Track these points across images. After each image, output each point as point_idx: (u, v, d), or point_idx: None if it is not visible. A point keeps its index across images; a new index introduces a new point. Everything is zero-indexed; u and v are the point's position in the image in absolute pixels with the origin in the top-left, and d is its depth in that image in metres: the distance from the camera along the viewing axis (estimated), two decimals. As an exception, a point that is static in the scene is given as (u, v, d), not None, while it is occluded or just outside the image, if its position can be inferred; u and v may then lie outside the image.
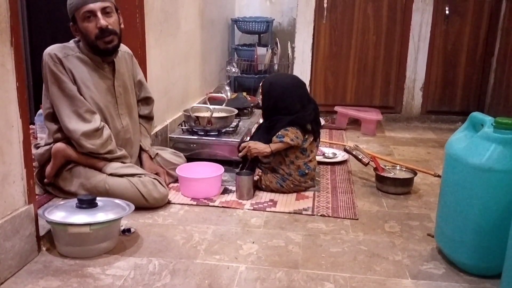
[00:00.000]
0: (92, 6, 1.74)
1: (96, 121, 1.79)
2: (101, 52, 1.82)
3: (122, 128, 1.92)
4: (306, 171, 2.00)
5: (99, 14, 1.75)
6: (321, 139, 2.80)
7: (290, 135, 1.94)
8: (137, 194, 1.76)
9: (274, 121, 2.00)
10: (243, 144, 2.05)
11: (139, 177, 1.80)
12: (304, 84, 2.09)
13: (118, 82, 1.91)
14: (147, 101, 2.12)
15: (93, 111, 1.80)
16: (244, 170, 2.00)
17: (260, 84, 2.12)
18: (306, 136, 1.99)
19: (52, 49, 1.78)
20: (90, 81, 1.82)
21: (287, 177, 1.99)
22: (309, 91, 3.40)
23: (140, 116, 2.09)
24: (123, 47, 1.96)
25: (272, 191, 2.02)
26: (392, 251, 1.56)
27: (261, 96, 2.10)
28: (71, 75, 1.78)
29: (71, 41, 1.86)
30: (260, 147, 1.98)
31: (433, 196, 2.03)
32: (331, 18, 3.32)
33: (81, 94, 1.79)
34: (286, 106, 1.98)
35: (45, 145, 1.88)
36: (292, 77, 2.17)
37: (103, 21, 1.75)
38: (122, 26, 1.88)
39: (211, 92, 3.12)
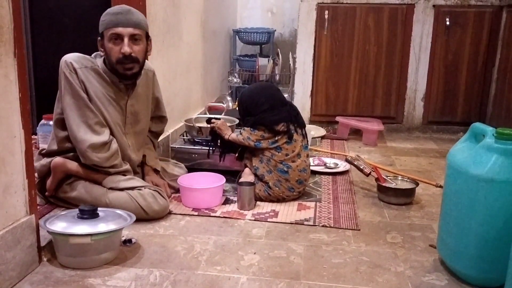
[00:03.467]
0: (121, 30, 1.74)
1: (105, 135, 1.79)
2: (119, 75, 1.82)
3: (126, 147, 1.91)
4: (286, 169, 2.01)
5: (126, 40, 1.74)
6: (323, 150, 2.83)
7: (244, 135, 2.04)
8: (137, 207, 1.75)
9: (244, 122, 2.10)
10: (214, 120, 2.19)
11: (139, 190, 1.79)
12: (276, 88, 2.16)
13: (132, 102, 1.90)
14: (161, 119, 2.14)
15: (103, 124, 1.80)
16: (245, 181, 2.00)
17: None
18: (277, 137, 2.01)
19: (70, 58, 1.78)
20: (102, 96, 1.81)
21: (272, 183, 2.00)
22: (310, 101, 3.45)
23: (150, 131, 2.10)
24: (146, 64, 1.95)
25: (261, 199, 2.03)
26: (394, 262, 1.56)
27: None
28: (83, 87, 1.78)
29: (94, 54, 1.86)
30: (223, 128, 2.14)
31: (435, 207, 2.03)
32: (332, 29, 3.34)
33: None
34: (253, 107, 2.06)
35: (49, 153, 1.88)
36: (262, 83, 2.40)
37: (127, 48, 1.74)
38: (150, 54, 1.88)
39: (212, 102, 3.13)
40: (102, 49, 1.81)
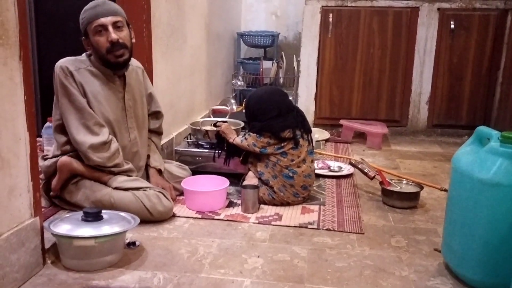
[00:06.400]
0: (103, 20, 1.78)
1: (104, 134, 1.80)
2: (112, 66, 1.84)
3: (129, 141, 1.93)
4: (291, 174, 2.00)
5: (110, 28, 1.78)
6: (327, 153, 2.83)
7: (250, 141, 2.03)
8: (142, 208, 1.76)
9: (250, 127, 2.09)
10: (219, 124, 2.21)
11: (144, 190, 1.80)
12: (284, 94, 2.14)
13: (129, 96, 1.93)
14: (156, 115, 2.14)
15: (101, 124, 1.81)
16: (249, 184, 2.00)
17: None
18: (283, 144, 2.00)
19: (64, 62, 1.81)
20: (100, 95, 1.84)
21: (276, 187, 2.00)
22: (314, 104, 3.45)
23: (150, 131, 2.11)
24: (134, 62, 1.98)
25: (265, 203, 2.03)
26: (399, 266, 1.55)
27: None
28: (81, 89, 1.80)
29: (83, 55, 1.89)
30: (228, 132, 2.15)
31: (439, 211, 2.02)
32: (336, 33, 3.34)
33: (91, 108, 1.80)
34: (261, 113, 2.05)
35: (53, 157, 1.89)
36: (270, 88, 2.42)
37: (114, 35, 1.78)
38: (134, 40, 1.90)
39: (216, 106, 3.14)
40: (89, 47, 1.84)
